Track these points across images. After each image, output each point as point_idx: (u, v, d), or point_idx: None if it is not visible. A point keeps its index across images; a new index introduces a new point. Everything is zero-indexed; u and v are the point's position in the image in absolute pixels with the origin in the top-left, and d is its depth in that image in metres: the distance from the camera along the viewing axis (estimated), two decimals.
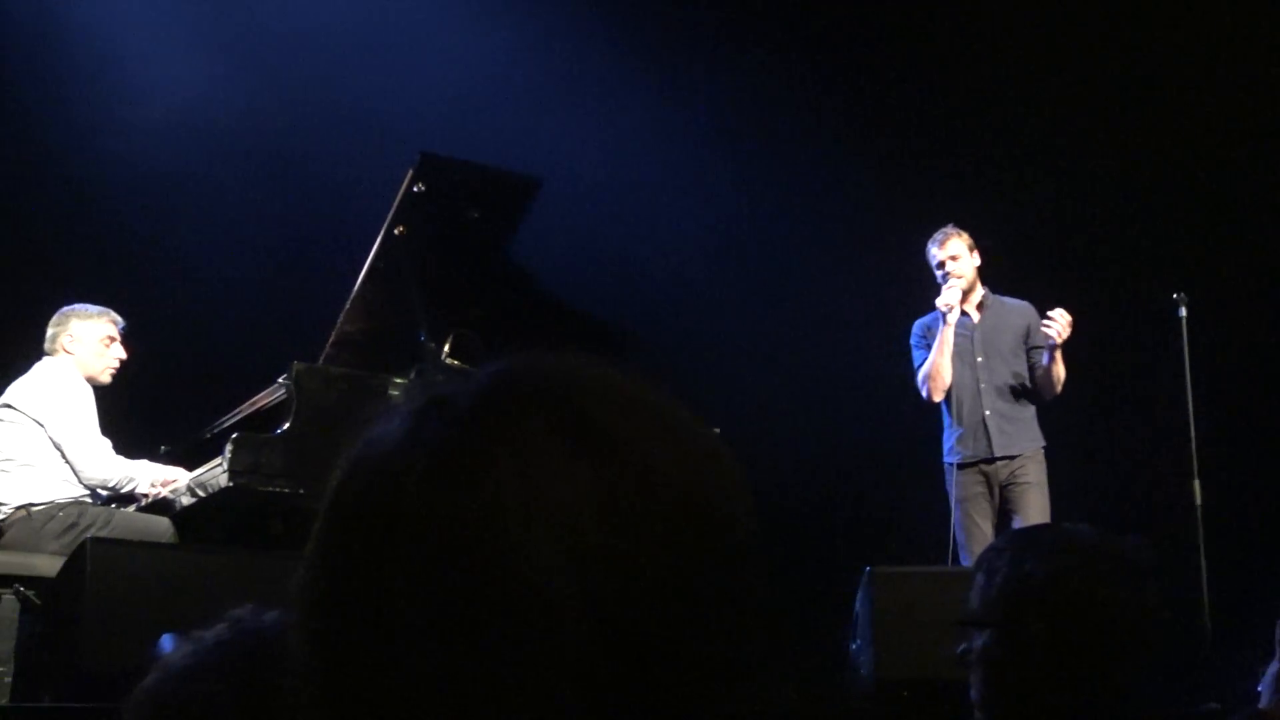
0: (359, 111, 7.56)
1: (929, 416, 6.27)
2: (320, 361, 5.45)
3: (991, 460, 5.66)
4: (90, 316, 5.59)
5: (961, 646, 1.92)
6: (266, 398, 5.37)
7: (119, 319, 5.65)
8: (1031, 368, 5.78)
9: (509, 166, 5.87)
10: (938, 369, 5.73)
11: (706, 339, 7.67)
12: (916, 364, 5.88)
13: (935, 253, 5.85)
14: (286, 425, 5.11)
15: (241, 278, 7.42)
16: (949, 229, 5.86)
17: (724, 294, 7.97)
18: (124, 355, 5.64)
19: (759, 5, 8.18)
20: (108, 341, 5.59)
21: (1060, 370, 5.65)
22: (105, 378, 5.58)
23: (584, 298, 6.11)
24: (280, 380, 5.24)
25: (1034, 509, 5.57)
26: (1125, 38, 7.42)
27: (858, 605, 4.87)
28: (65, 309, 5.63)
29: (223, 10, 7.54)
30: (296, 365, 5.21)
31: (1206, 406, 5.72)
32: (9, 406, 5.36)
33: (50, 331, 5.57)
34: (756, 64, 8.00)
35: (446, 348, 5.56)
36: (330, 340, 5.54)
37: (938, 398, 5.78)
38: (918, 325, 5.94)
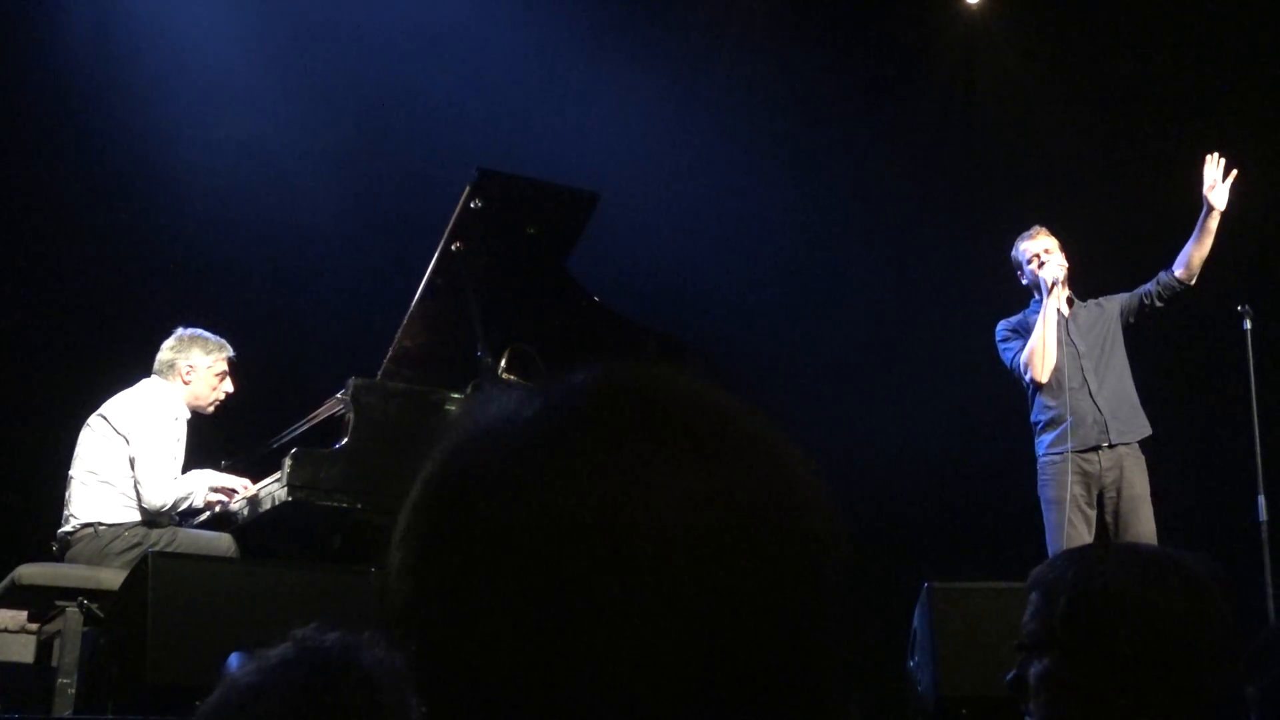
0: (416, 126, 7.62)
1: (987, 430, 6.17)
2: (378, 376, 5.46)
3: (1108, 447, 5.41)
4: (212, 349, 5.49)
5: (1010, 674, 1.76)
6: (326, 411, 5.41)
7: (232, 352, 5.56)
8: (1156, 296, 5.58)
9: (567, 181, 5.88)
10: (1043, 344, 5.48)
11: (762, 350, 7.64)
12: (1009, 355, 5.66)
13: (1027, 246, 5.66)
14: (345, 440, 5.14)
15: (300, 293, 7.50)
16: (1037, 227, 5.70)
17: (779, 305, 7.94)
18: (232, 390, 5.56)
19: (824, 9, 8.17)
20: (222, 375, 5.52)
21: (1209, 244, 5.43)
22: (209, 410, 5.52)
23: (643, 312, 6.09)
24: (338, 395, 5.28)
25: (1144, 524, 5.33)
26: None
27: (915, 621, 4.84)
28: (187, 333, 5.52)
29: (280, 42, 7.65)
30: (354, 380, 5.23)
31: (1272, 421, 5.61)
32: (103, 418, 5.30)
33: (167, 355, 5.46)
34: (821, 67, 7.97)
35: (503, 363, 5.57)
36: (388, 355, 5.56)
37: (1043, 378, 5.50)
38: (1004, 324, 5.75)
